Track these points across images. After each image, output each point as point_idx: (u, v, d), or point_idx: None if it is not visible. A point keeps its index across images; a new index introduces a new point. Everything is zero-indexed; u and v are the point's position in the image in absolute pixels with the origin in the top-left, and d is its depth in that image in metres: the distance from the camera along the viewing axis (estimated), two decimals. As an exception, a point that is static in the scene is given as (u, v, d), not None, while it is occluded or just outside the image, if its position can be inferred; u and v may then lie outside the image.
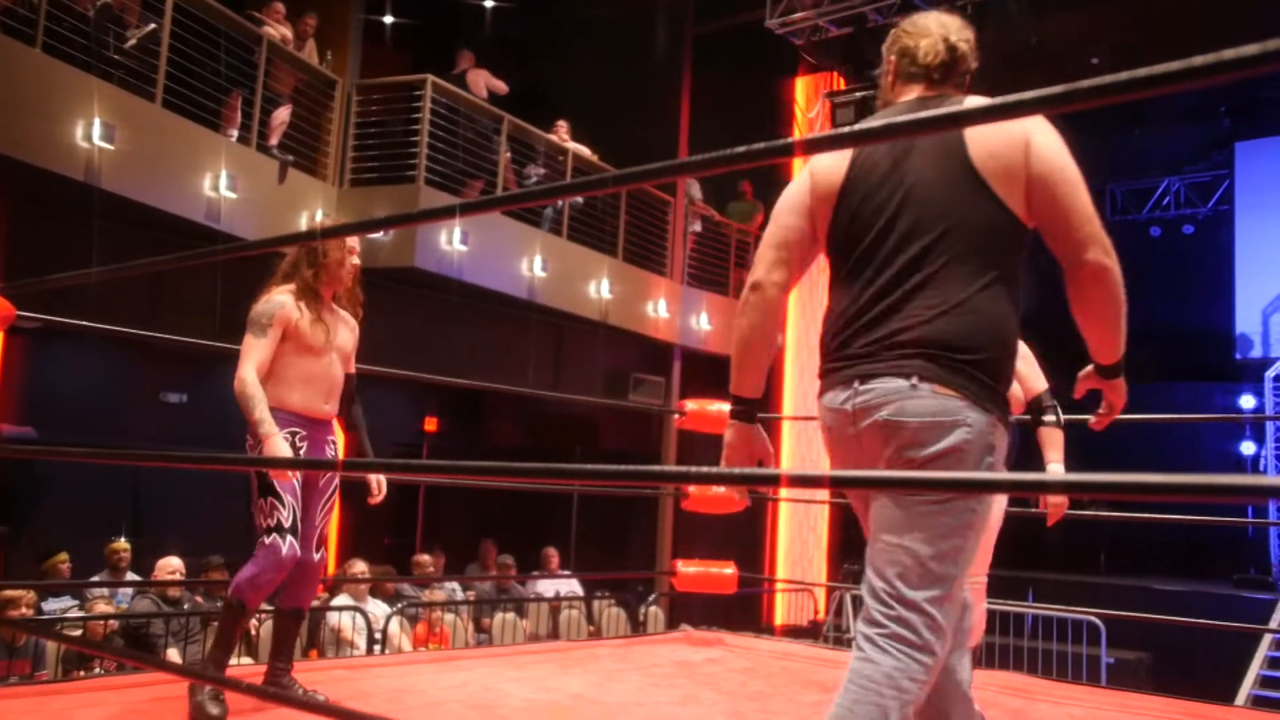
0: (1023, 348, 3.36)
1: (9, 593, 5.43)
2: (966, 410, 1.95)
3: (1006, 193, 1.98)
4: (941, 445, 1.95)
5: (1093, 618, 7.73)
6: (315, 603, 7.43)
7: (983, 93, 1.98)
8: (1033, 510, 8.57)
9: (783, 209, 2.17)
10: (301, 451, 3.40)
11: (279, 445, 3.24)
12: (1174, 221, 15.49)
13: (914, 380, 1.95)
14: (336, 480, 3.58)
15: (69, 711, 3.19)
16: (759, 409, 2.23)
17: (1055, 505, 3.54)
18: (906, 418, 1.96)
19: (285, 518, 3.29)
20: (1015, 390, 3.41)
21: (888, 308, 2.00)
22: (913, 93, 2.16)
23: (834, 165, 2.11)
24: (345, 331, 3.58)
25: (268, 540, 3.26)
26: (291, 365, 3.41)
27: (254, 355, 3.35)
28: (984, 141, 1.98)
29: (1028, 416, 3.51)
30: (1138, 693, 4.75)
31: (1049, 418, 3.50)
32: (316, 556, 3.48)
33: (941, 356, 1.95)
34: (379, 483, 3.65)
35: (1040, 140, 1.97)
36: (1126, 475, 1.28)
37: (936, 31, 2.17)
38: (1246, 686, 8.51)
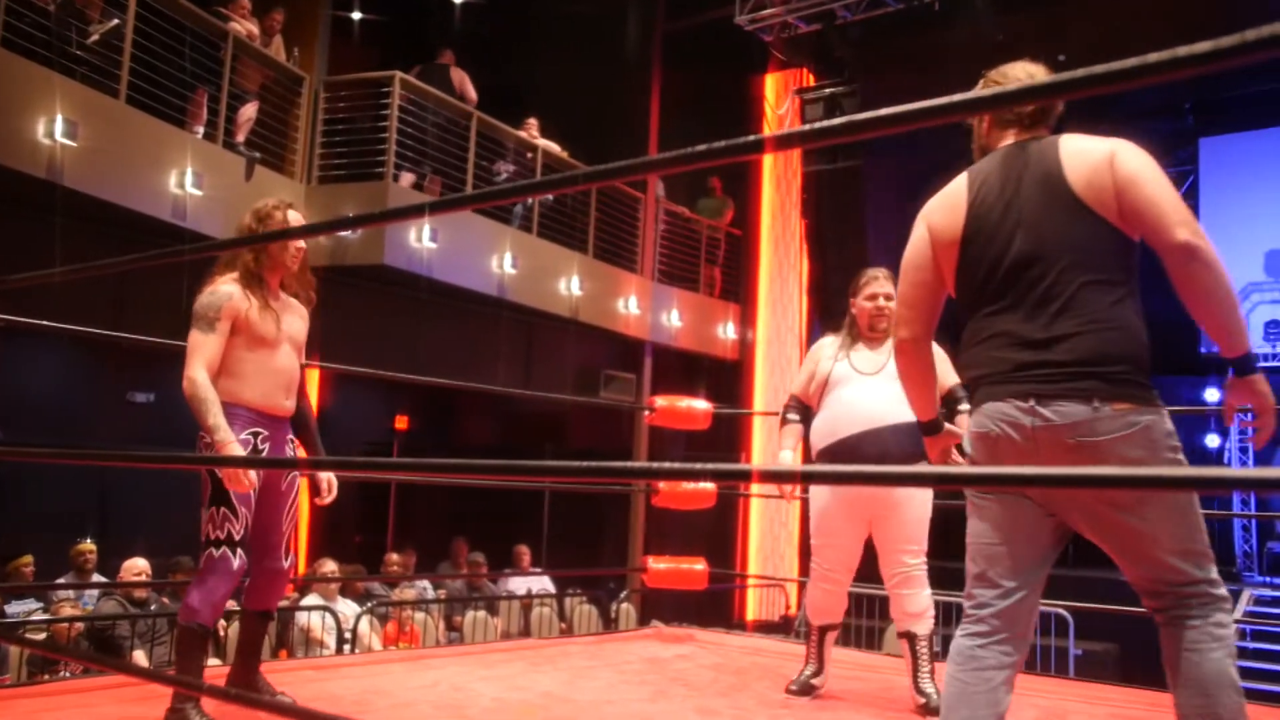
0: (935, 347, 3.49)
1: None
2: (1142, 415, 2.15)
3: (1108, 212, 2.18)
4: (1135, 454, 2.14)
5: (1061, 610, 7.79)
6: (284, 603, 7.38)
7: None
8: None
9: (909, 267, 2.39)
10: (263, 454, 3.23)
11: (236, 453, 3.08)
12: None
13: (1095, 403, 2.14)
14: (299, 482, 3.42)
15: (34, 715, 3.16)
16: (939, 423, 2.57)
17: None
18: (1098, 437, 2.14)
19: (237, 530, 3.12)
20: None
21: (1045, 332, 2.19)
22: (1008, 138, 2.37)
23: (951, 216, 2.33)
24: (296, 320, 3.37)
25: (217, 553, 3.09)
26: (246, 359, 3.20)
27: (203, 353, 3.14)
28: (1079, 171, 2.19)
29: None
30: (1104, 683, 4.80)
31: (964, 408, 3.68)
32: (286, 563, 3.36)
33: (1109, 374, 2.15)
34: (329, 482, 3.51)
35: (1121, 154, 2.18)
36: (1102, 470, 1.29)
37: (1026, 80, 2.35)
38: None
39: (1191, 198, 15.01)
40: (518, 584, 9.00)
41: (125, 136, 7.33)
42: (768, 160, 13.40)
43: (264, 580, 3.33)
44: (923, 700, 3.87)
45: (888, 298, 3.93)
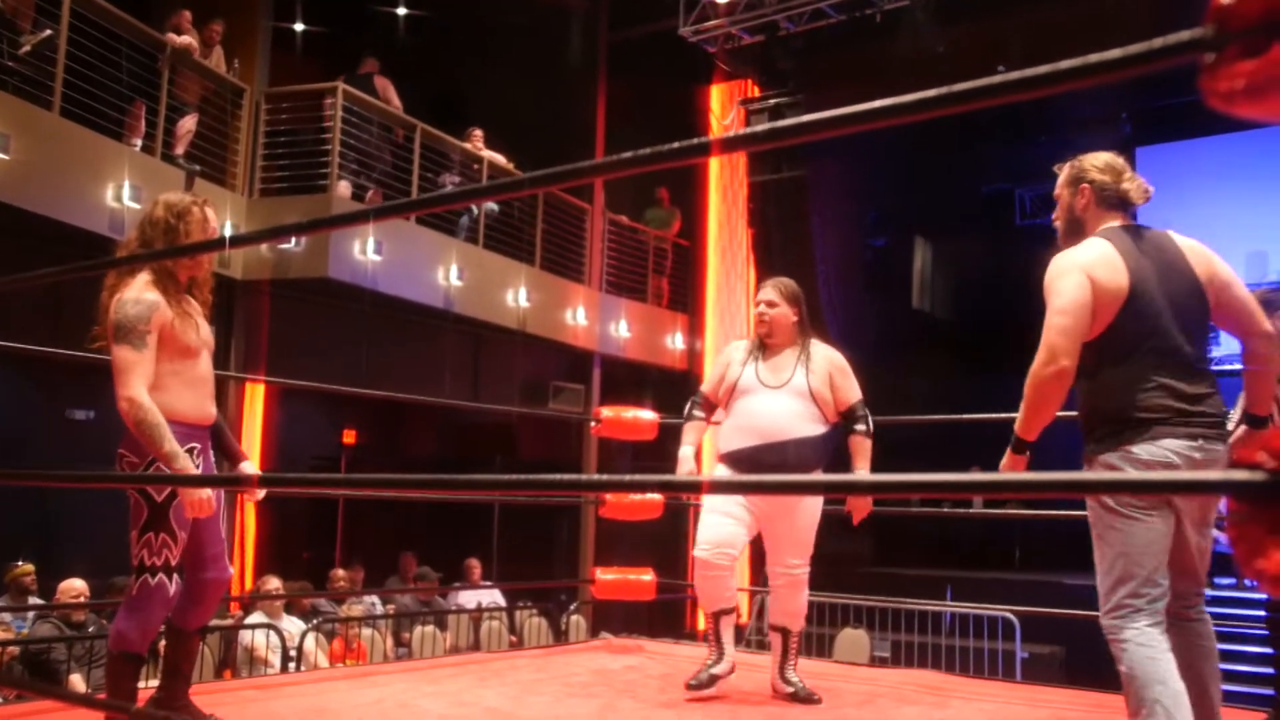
0: (839, 359, 4.17)
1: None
2: None
3: (1211, 301, 2.79)
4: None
5: (1007, 614, 7.87)
6: (228, 621, 7.27)
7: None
8: (946, 511, 8.70)
9: (1077, 306, 2.70)
10: (199, 467, 3.10)
11: (190, 471, 2.98)
12: (1080, 225, 15.87)
13: (1224, 446, 2.70)
14: (221, 491, 3.30)
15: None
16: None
17: (859, 507, 4.23)
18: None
19: (175, 557, 2.99)
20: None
21: (1195, 389, 2.70)
22: (1116, 220, 2.86)
23: (1116, 276, 2.71)
24: (205, 323, 3.19)
25: (153, 580, 2.95)
26: (174, 371, 3.02)
27: (140, 371, 2.92)
28: (1200, 265, 2.78)
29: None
30: (1050, 686, 4.85)
31: (860, 427, 4.11)
32: (226, 573, 3.24)
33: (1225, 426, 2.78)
34: (257, 477, 3.44)
35: (1219, 260, 2.86)
36: (1028, 475, 1.30)
37: (1129, 172, 2.94)
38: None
39: (1129, 205, 15.31)
40: (468, 598, 8.93)
41: (60, 149, 7.20)
42: (714, 171, 13.46)
43: (206, 593, 3.17)
44: (790, 689, 4.11)
45: (769, 304, 4.09)
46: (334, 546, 10.86)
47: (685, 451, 4.12)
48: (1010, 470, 2.80)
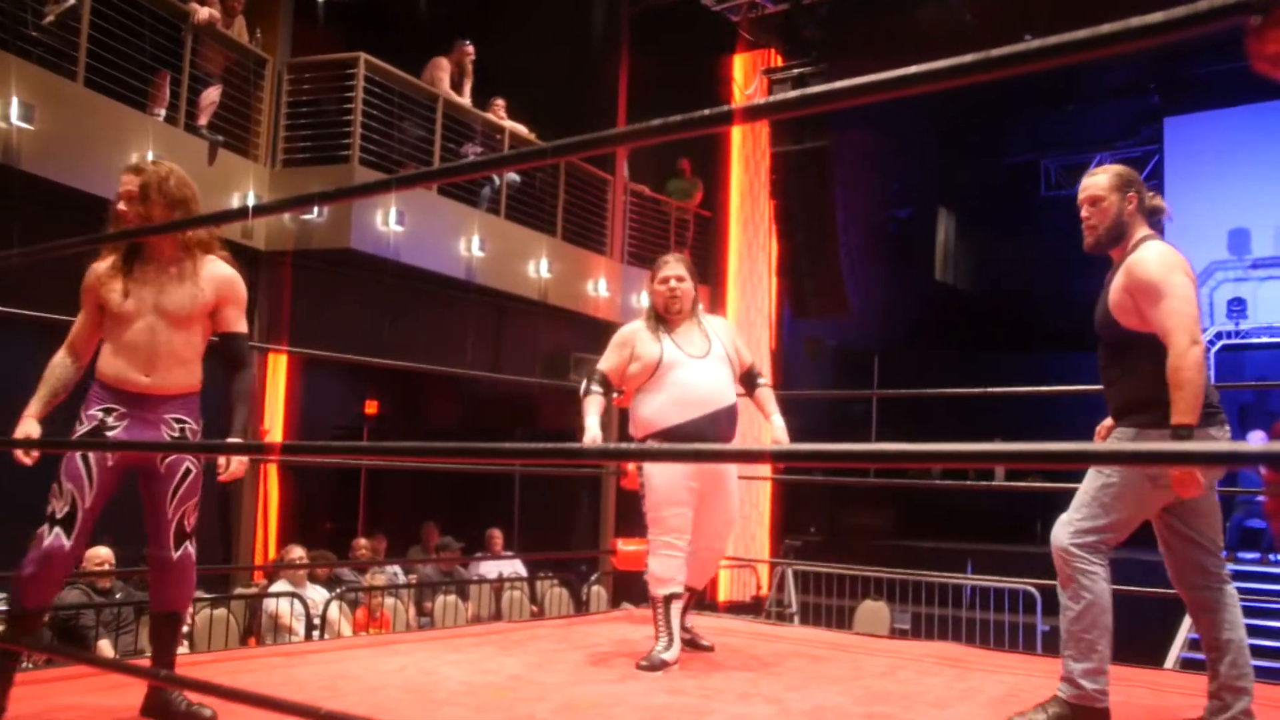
0: (731, 324, 4.52)
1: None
2: None
3: None
4: None
5: (1029, 587, 7.86)
6: (253, 589, 7.33)
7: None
8: (967, 484, 8.65)
9: (1192, 296, 2.95)
10: (115, 432, 3.02)
11: (26, 427, 3.00)
12: (1106, 196, 15.72)
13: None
14: (187, 464, 3.09)
15: (-7, 706, 3.11)
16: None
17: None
18: None
19: (61, 507, 2.94)
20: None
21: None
22: (1148, 229, 3.12)
23: (1192, 278, 3.00)
24: (175, 290, 3.07)
25: (40, 530, 2.95)
26: (108, 334, 3.07)
27: (70, 334, 3.13)
28: None
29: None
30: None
31: (762, 379, 4.44)
32: (175, 554, 3.06)
33: None
34: (226, 460, 3.17)
35: None
36: (1050, 445, 1.29)
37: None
38: (1175, 649, 8.72)
39: (1156, 177, 15.13)
40: (489, 568, 8.99)
41: (84, 120, 7.22)
42: (736, 141, 13.40)
43: (153, 573, 3.11)
44: (687, 635, 4.37)
45: (678, 279, 4.26)
46: (356, 516, 10.94)
47: (591, 423, 4.14)
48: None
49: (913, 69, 1.30)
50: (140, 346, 3.03)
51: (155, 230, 3.09)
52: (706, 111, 1.56)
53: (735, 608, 11.08)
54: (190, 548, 3.11)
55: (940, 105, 14.23)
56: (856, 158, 13.51)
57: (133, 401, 3.04)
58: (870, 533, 12.80)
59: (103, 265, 3.10)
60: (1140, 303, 2.97)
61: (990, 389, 5.66)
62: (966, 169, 15.81)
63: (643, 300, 11.95)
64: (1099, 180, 3.12)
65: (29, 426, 3.02)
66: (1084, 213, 3.13)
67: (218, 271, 3.16)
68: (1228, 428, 3.09)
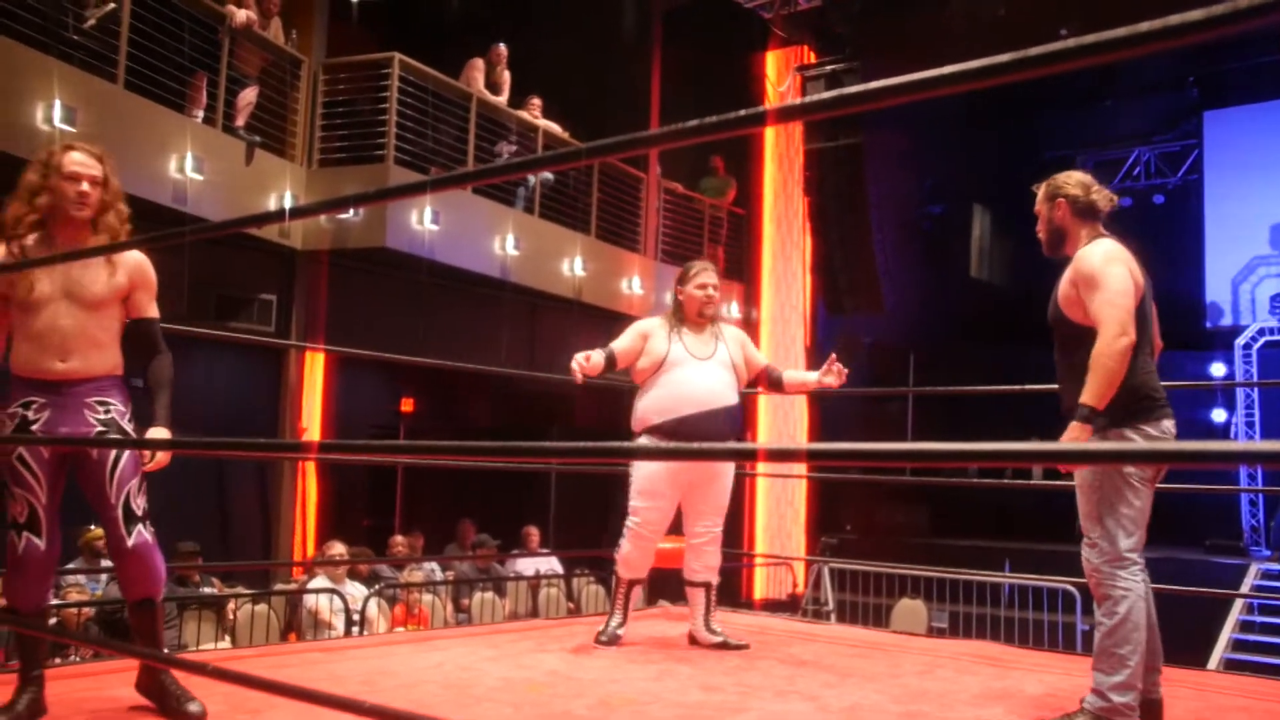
0: (742, 332, 4.67)
1: (-20, 582, 5.38)
2: None
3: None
4: None
5: (1068, 585, 7.79)
6: (293, 585, 7.40)
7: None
8: (1005, 482, 8.60)
9: (1129, 290, 3.08)
10: (38, 425, 2.94)
11: None
12: (1145, 192, 15.58)
13: None
14: (125, 450, 3.03)
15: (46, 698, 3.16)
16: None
17: None
18: None
19: (20, 512, 2.91)
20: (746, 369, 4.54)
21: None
22: (1091, 228, 3.26)
23: (1136, 273, 3.14)
24: (92, 274, 2.98)
25: (10, 539, 2.94)
26: (17, 324, 2.96)
27: None
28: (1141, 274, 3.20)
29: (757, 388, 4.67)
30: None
31: (778, 370, 4.64)
32: (131, 540, 2.97)
33: None
34: (152, 452, 3.06)
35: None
36: (1103, 445, 1.28)
37: (1097, 186, 3.30)
38: (1219, 650, 8.63)
39: (1195, 171, 14.96)
40: (525, 565, 9.02)
41: (125, 121, 7.31)
42: (769, 139, 13.37)
43: (116, 562, 3.05)
44: (718, 639, 4.48)
45: (715, 287, 4.50)
46: (393, 514, 11.01)
47: (591, 352, 4.26)
48: (1076, 441, 2.94)
49: (949, 69, 1.30)
50: (51, 332, 2.94)
51: (210, 232, 3.10)
52: (743, 112, 1.56)
53: (771, 605, 11.06)
54: (145, 531, 3.01)
55: (974, 100, 14.12)
56: (890, 154, 13.44)
57: (50, 389, 2.96)
58: (907, 531, 12.75)
59: None
60: (1082, 293, 3.13)
61: (1027, 386, 5.62)
62: (1001, 165, 15.67)
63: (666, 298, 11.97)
64: (1038, 194, 3.38)
65: None
66: (1037, 226, 3.39)
67: (131, 257, 3.07)
68: (1169, 423, 3.15)
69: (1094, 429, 3.03)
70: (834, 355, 4.47)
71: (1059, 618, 8.11)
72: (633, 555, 4.49)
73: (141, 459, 3.04)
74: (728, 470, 4.48)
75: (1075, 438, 2.98)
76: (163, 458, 3.08)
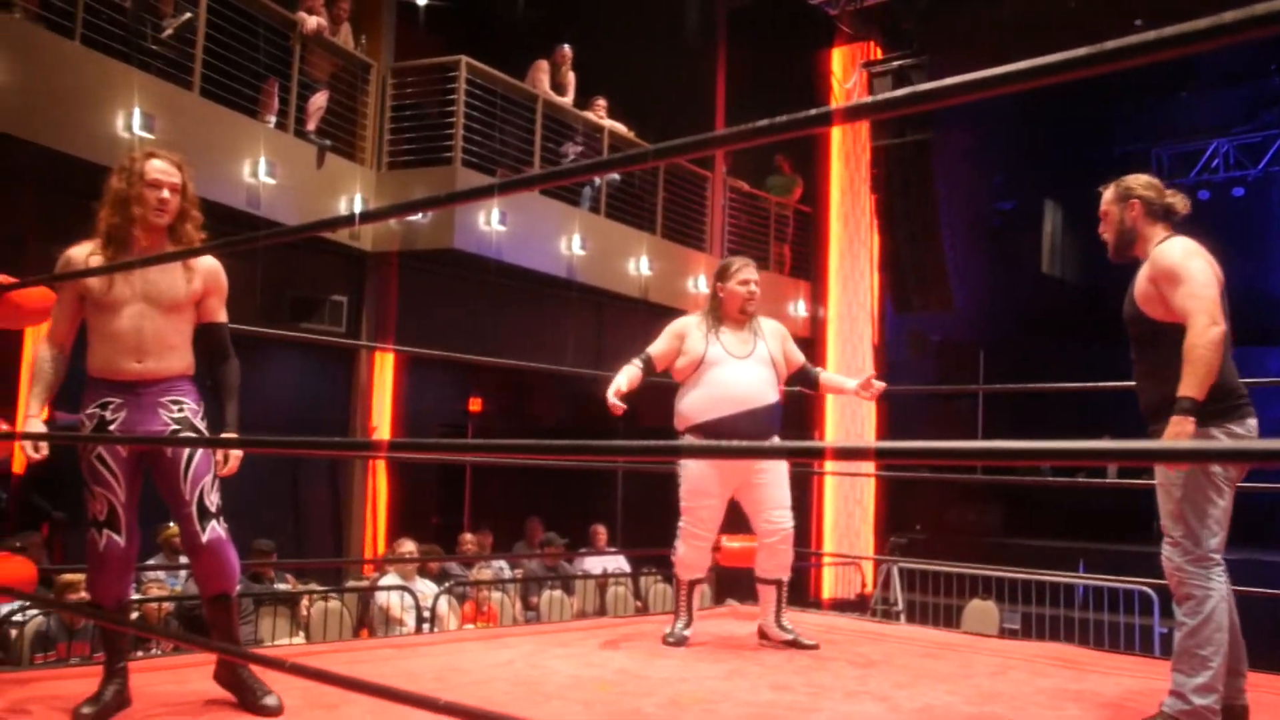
0: (781, 327, 4.64)
1: (68, 577, 5.54)
2: None
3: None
4: None
5: (1145, 587, 7.63)
6: (364, 582, 7.50)
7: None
8: (1081, 481, 8.45)
9: (1214, 281, 3.07)
10: (114, 424, 3.02)
11: (32, 426, 3.04)
12: (1223, 184, 15.20)
13: None
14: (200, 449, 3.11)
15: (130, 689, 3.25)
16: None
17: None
18: None
19: (100, 510, 3.01)
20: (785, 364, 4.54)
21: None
22: (1165, 231, 3.23)
23: (1216, 269, 3.10)
24: (169, 277, 3.05)
25: (90, 536, 3.04)
26: (93, 326, 3.06)
27: (50, 326, 3.14)
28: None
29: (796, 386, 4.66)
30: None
31: (818, 368, 4.69)
32: (205, 535, 3.04)
33: None
34: (225, 455, 3.12)
35: None
36: (1184, 443, 1.25)
37: (1169, 189, 3.29)
38: (1303, 654, 8.38)
39: (1277, 163, 14.56)
40: (593, 563, 9.06)
41: (200, 128, 7.47)
42: (836, 136, 13.27)
43: (191, 558, 3.13)
44: (788, 636, 4.46)
45: (757, 284, 4.48)
46: (462, 512, 11.12)
47: (619, 379, 4.32)
48: (1181, 435, 2.91)
49: (1023, 64, 1.28)
50: (128, 334, 3.02)
51: (282, 236, 3.15)
52: (810, 112, 1.55)
53: (840, 605, 10.98)
54: (219, 527, 3.07)
55: (1045, 94, 13.89)
56: (959, 150, 13.27)
57: (126, 390, 3.04)
58: (978, 530, 12.57)
59: (79, 253, 3.09)
60: (1164, 289, 3.09)
61: (1101, 383, 5.50)
62: (1073, 159, 15.38)
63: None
64: (1105, 195, 3.35)
65: (34, 425, 3.06)
66: (1101, 228, 3.37)
67: (205, 263, 3.15)
68: (1253, 421, 3.12)
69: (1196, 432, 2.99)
70: (873, 374, 4.46)
71: (1135, 620, 7.94)
72: (688, 555, 4.50)
73: (214, 459, 3.10)
74: (778, 464, 4.44)
75: (1179, 431, 2.92)
76: (233, 464, 3.12)
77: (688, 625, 4.52)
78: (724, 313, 4.46)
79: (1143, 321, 3.17)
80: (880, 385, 4.36)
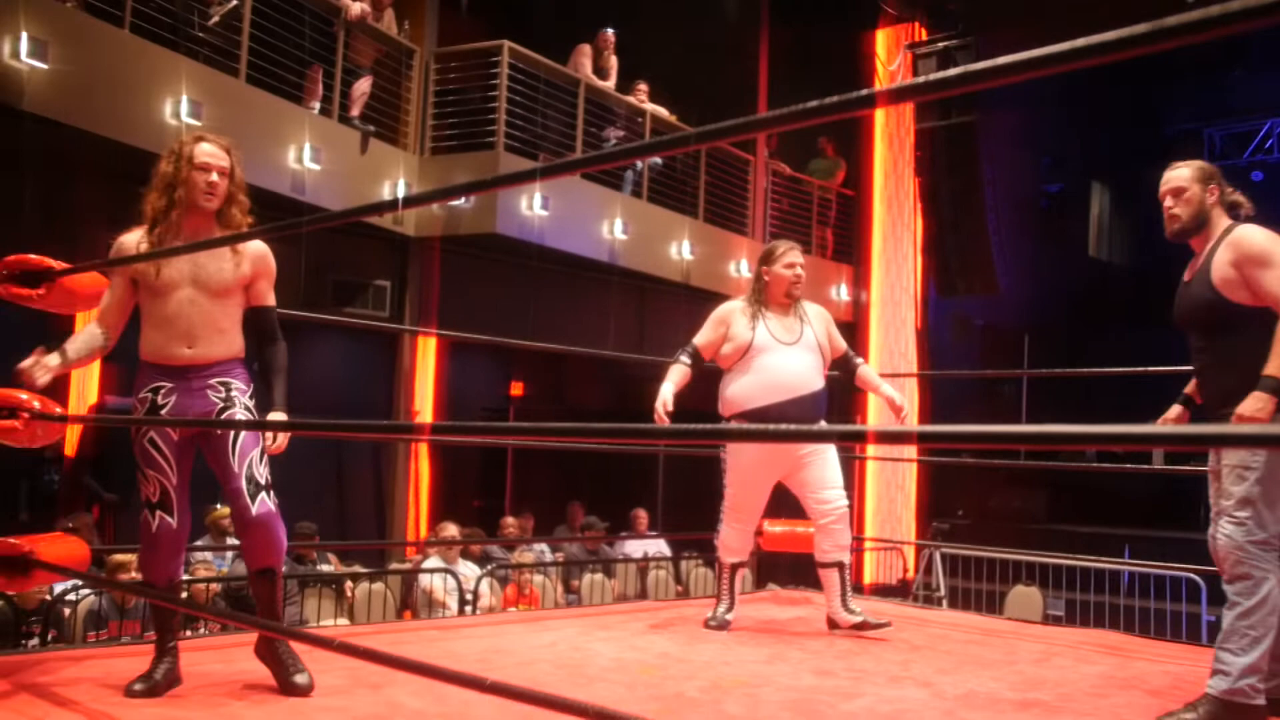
0: (826, 311, 4.59)
1: (119, 557, 5.63)
2: None
3: None
4: None
5: (1192, 575, 7.54)
6: (406, 565, 7.58)
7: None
8: (1128, 467, 8.36)
9: None
10: (166, 408, 3.07)
11: (46, 359, 3.03)
12: (1277, 165, 14.91)
13: None
14: (239, 416, 3.12)
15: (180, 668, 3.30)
16: None
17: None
18: None
19: (153, 492, 3.07)
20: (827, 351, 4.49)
21: None
22: (1228, 220, 3.20)
23: None
24: (218, 261, 3.08)
25: (142, 518, 3.10)
26: (145, 311, 3.10)
27: (99, 307, 3.19)
28: None
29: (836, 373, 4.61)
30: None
31: (859, 360, 4.63)
32: (255, 509, 3.06)
33: None
34: (274, 435, 3.12)
35: None
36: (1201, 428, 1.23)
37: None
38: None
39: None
40: (634, 547, 9.08)
41: (246, 114, 7.54)
42: (880, 119, 13.16)
43: (240, 533, 3.14)
44: (857, 618, 4.40)
45: (803, 266, 4.45)
46: (504, 495, 11.19)
47: (666, 389, 4.33)
48: (1261, 414, 2.88)
49: (1080, 42, 1.26)
50: (179, 319, 3.05)
51: (327, 220, 3.15)
52: (854, 94, 1.54)
53: (881, 590, 10.93)
54: (269, 500, 3.09)
55: (1093, 73, 13.68)
56: (1005, 132, 13.11)
57: (176, 374, 3.08)
58: (1021, 516, 12.47)
59: (131, 240, 3.13)
60: (1250, 273, 3.04)
61: (1148, 368, 5.42)
62: (1122, 140, 15.15)
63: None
64: (1182, 173, 3.25)
65: (50, 359, 3.04)
66: (1167, 203, 3.26)
67: (254, 246, 3.16)
68: None
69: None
70: (906, 415, 4.52)
71: (1183, 607, 7.86)
72: (731, 539, 4.50)
73: (261, 438, 3.13)
74: (827, 446, 4.41)
75: (1260, 408, 2.89)
76: (282, 441, 3.15)
77: (730, 609, 4.52)
78: (769, 297, 4.42)
79: (1221, 307, 3.11)
80: (905, 415, 4.48)
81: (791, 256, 4.43)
